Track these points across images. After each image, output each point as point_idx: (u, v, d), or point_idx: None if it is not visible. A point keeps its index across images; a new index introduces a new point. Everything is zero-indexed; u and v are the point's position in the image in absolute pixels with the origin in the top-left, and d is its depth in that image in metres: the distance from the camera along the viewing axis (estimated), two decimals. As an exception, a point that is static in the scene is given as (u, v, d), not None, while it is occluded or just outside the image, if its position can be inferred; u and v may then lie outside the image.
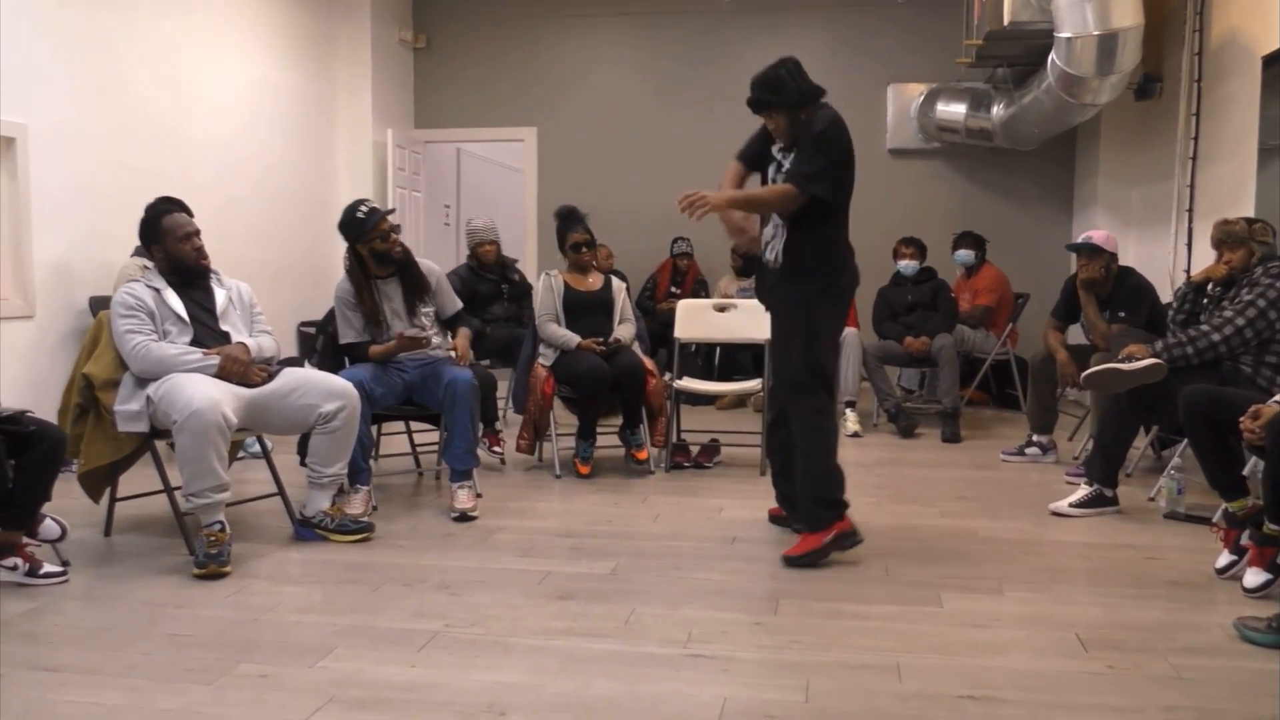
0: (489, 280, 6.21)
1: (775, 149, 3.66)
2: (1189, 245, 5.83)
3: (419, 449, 5.06)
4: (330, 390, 3.74)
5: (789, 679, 2.53)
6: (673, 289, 7.82)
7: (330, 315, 4.51)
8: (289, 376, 3.75)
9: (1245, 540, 3.32)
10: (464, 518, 4.08)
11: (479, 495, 4.27)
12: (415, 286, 4.40)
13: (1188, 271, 5.81)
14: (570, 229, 5.17)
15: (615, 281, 5.28)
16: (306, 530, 3.81)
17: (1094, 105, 5.54)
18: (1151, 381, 4.05)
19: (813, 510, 3.53)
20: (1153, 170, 6.55)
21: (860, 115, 7.77)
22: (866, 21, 7.92)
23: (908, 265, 6.60)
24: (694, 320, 5.42)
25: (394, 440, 5.23)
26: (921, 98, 7.69)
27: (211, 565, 3.33)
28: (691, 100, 8.23)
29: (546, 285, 5.12)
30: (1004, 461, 5.35)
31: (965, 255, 6.98)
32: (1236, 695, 2.45)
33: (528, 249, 8.60)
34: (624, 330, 5.12)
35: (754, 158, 3.75)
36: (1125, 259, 6.93)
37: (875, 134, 7.94)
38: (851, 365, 6.20)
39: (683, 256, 7.81)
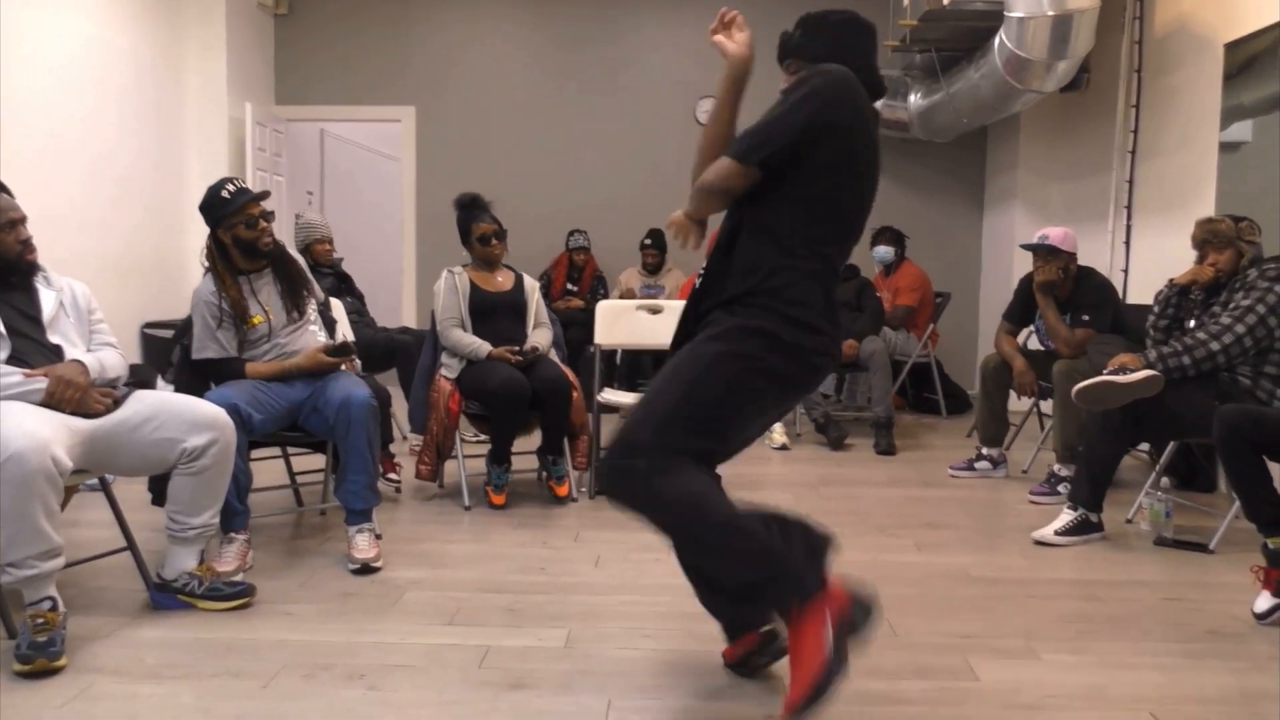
0: (327, 279, 5.38)
1: None
2: (1126, 243, 5.53)
3: (299, 478, 4.26)
4: (196, 419, 2.95)
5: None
6: (569, 286, 7.17)
7: (189, 322, 3.68)
8: (141, 402, 2.94)
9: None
10: (365, 569, 3.34)
11: (379, 537, 3.53)
12: (294, 283, 3.63)
13: (1125, 270, 5.52)
14: (475, 218, 4.47)
15: (528, 280, 4.60)
16: (166, 597, 3.01)
17: (1039, 92, 5.16)
18: (1148, 395, 3.65)
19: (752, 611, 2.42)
20: (1075, 165, 6.27)
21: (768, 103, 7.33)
22: (774, 4, 7.42)
23: (831, 263, 6.11)
24: (617, 325, 4.77)
25: (267, 468, 4.42)
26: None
27: (39, 660, 2.52)
28: (587, 82, 7.58)
29: (449, 285, 4.40)
30: (953, 477, 4.91)
31: (884, 252, 6.58)
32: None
33: (405, 243, 7.79)
34: (541, 336, 4.46)
35: None
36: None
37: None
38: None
39: (579, 251, 7.16)
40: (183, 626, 2.85)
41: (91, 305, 3.16)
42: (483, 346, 4.25)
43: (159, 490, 3.37)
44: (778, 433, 5.64)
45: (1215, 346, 3.64)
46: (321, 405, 3.47)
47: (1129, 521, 4.07)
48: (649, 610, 3.03)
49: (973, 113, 5.90)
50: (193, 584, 3.00)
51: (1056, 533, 3.78)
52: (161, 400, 2.98)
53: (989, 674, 2.59)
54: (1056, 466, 4.48)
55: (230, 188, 3.45)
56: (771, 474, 4.98)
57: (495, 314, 4.40)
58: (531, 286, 4.57)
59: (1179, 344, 3.71)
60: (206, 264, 3.54)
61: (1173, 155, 5.11)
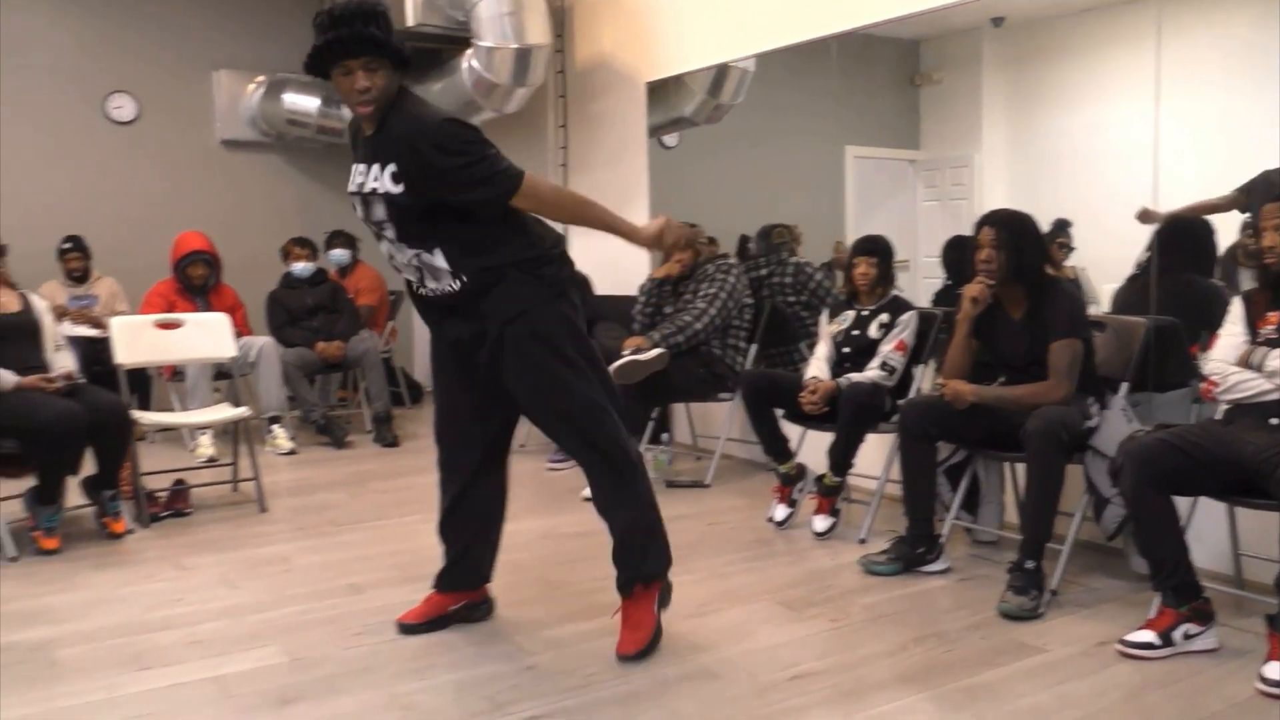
0: None
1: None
2: (564, 243, 6.52)
3: None
4: None
5: None
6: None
7: None
8: None
9: (802, 493, 4.04)
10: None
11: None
12: None
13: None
14: (-34, 232, 3.91)
15: (35, 299, 4.14)
16: None
17: (499, 113, 5.86)
18: (659, 368, 4.56)
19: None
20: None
21: (183, 100, 7.10)
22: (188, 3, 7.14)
23: (303, 267, 6.23)
24: (136, 342, 4.49)
25: None
26: (263, 88, 7.21)
27: None
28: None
29: (-54, 309, 3.80)
30: (551, 469, 5.35)
31: (340, 255, 6.82)
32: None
33: None
34: (66, 360, 4.06)
35: None
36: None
37: (205, 122, 7.26)
38: (274, 378, 5.68)
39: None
40: None
41: None
42: (7, 377, 3.77)
43: None
44: (282, 437, 5.66)
45: (699, 325, 4.68)
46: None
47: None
48: (340, 611, 3.14)
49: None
50: None
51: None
52: None
53: (653, 599, 3.22)
54: (564, 436, 5.25)
55: None
56: (312, 478, 5.07)
57: (9, 339, 3.92)
58: (43, 306, 4.13)
59: (671, 325, 4.69)
60: None
61: (605, 169, 6.18)
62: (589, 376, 2.69)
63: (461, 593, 3.01)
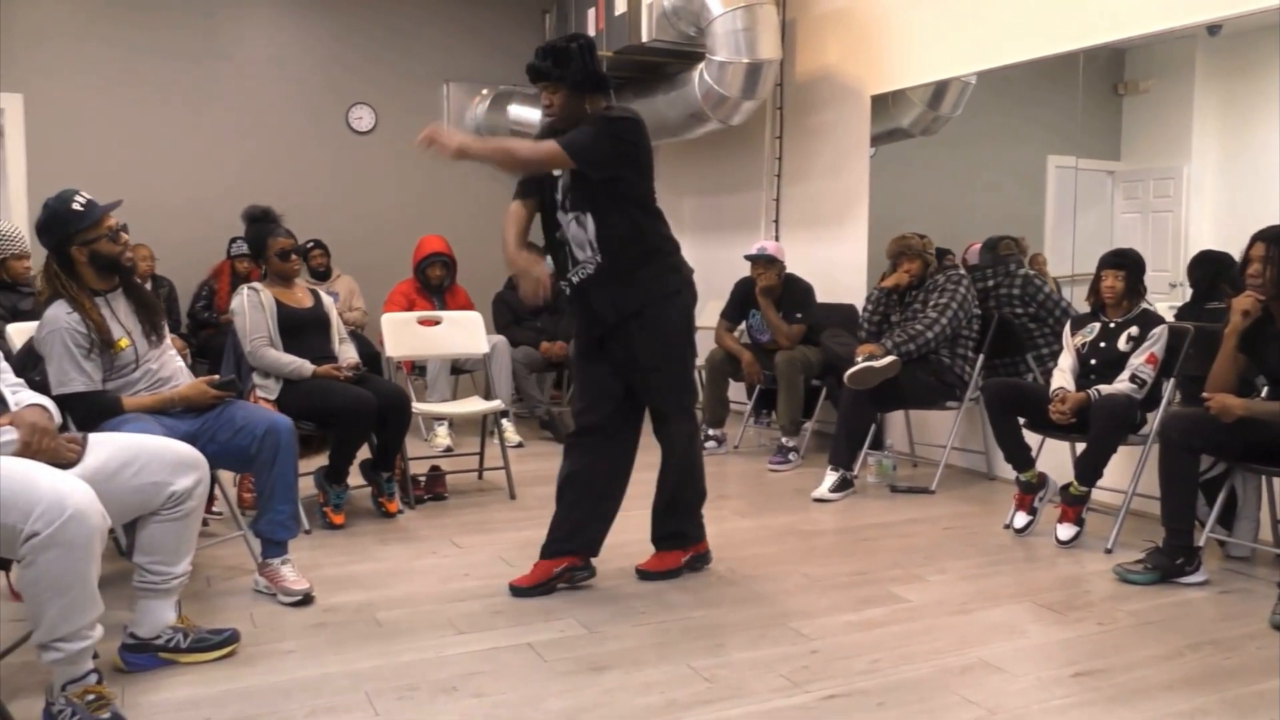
0: (28, 300, 4.80)
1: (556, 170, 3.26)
2: (775, 251, 6.68)
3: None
4: (180, 460, 2.76)
5: None
6: (235, 297, 6.80)
7: (29, 355, 3.26)
8: (110, 446, 2.68)
9: (1043, 501, 4.09)
10: (306, 600, 3.27)
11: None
12: (148, 302, 3.38)
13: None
14: (270, 233, 4.33)
15: (324, 295, 4.55)
16: (144, 657, 2.77)
17: (725, 124, 6.07)
18: (891, 376, 4.67)
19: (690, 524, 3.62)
20: (717, 184, 7.34)
21: (416, 111, 7.55)
22: (419, 16, 7.62)
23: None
24: (403, 336, 4.89)
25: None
26: (489, 99, 7.64)
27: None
28: (218, 82, 7.17)
29: (254, 303, 4.22)
30: (772, 470, 5.51)
31: (557, 259, 7.14)
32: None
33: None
34: (351, 352, 4.45)
35: (534, 184, 3.37)
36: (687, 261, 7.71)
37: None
38: (506, 374, 6.03)
39: (243, 259, 6.82)
40: (193, 684, 2.68)
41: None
42: (305, 366, 4.17)
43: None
44: (511, 431, 6.00)
45: (930, 335, 4.76)
46: (231, 435, 3.30)
47: (855, 476, 5.08)
48: (617, 591, 3.39)
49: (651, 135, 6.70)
50: (177, 638, 2.80)
51: (830, 490, 4.69)
52: (131, 442, 2.74)
53: (914, 595, 3.36)
54: (784, 439, 5.42)
55: (80, 199, 3.14)
56: (544, 469, 5.39)
57: (304, 331, 4.31)
58: (330, 302, 4.53)
59: (903, 334, 4.79)
60: (47, 288, 3.19)
61: (823, 180, 6.31)
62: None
63: (565, 557, 3.39)
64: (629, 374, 3.36)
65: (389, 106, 7.58)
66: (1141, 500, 3.99)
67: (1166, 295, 4.58)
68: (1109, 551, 3.82)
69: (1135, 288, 4.06)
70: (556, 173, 3.26)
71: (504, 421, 6.04)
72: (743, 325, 5.89)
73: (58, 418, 2.64)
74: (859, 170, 5.98)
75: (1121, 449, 3.93)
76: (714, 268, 7.28)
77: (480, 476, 5.12)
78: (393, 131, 7.58)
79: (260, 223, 4.35)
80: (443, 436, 5.91)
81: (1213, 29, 4.47)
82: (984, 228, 5.51)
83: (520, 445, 5.98)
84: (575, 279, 3.31)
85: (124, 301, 3.28)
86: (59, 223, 3.11)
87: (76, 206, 3.11)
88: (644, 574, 3.53)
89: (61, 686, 2.36)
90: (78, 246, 3.13)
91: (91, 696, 2.36)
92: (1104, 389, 3.90)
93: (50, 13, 6.68)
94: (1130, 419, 3.85)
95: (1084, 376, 4.07)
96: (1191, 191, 4.87)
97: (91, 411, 3.14)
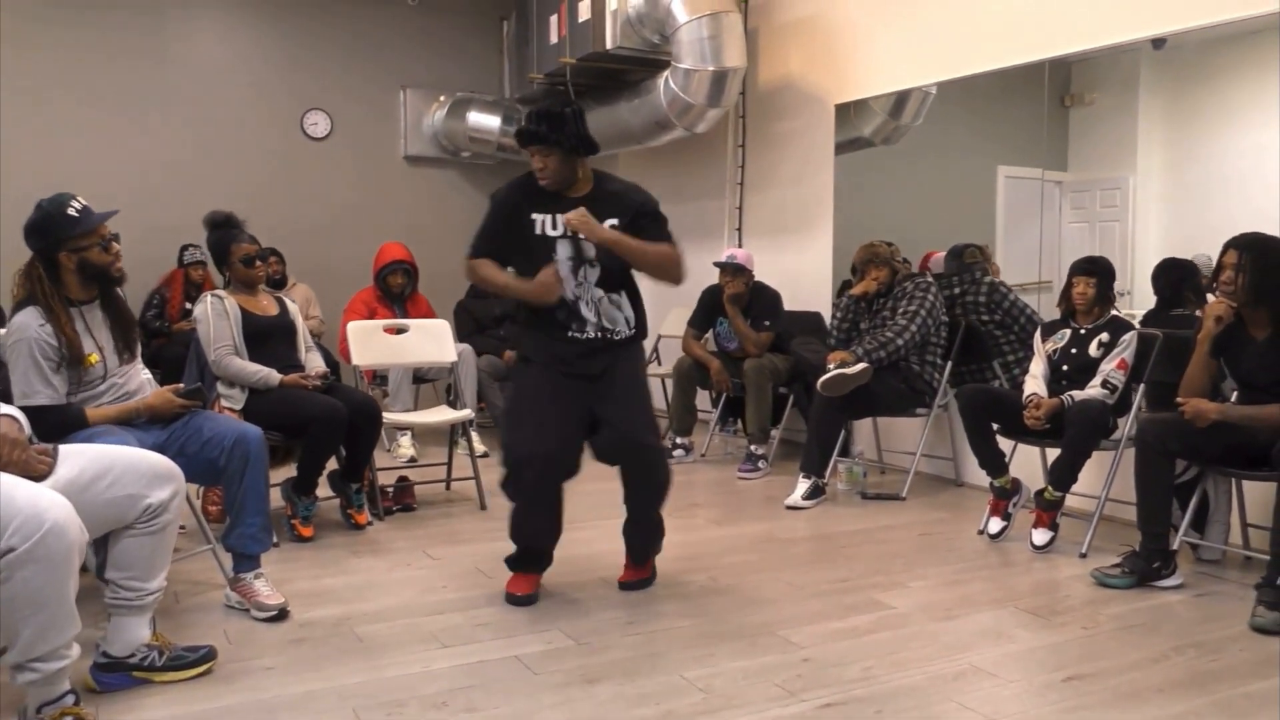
0: None
1: (535, 213, 3.29)
2: (737, 259, 6.67)
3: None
4: (155, 472, 2.66)
5: (956, 703, 2.57)
6: (187, 305, 6.65)
7: (-4, 364, 3.14)
8: (80, 457, 2.58)
9: (1017, 507, 4.12)
10: (281, 615, 3.18)
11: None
12: (124, 316, 3.27)
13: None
14: (234, 239, 4.21)
15: (289, 302, 4.44)
16: (117, 677, 2.66)
17: (690, 131, 6.05)
18: (863, 382, 4.67)
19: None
20: (680, 192, 7.32)
21: (373, 117, 7.47)
22: (376, 22, 7.52)
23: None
24: (369, 345, 4.79)
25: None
26: (446, 106, 7.55)
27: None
28: (169, 86, 7.00)
29: (218, 311, 4.11)
30: (742, 479, 5.49)
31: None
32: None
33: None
34: (318, 360, 4.36)
35: (496, 250, 3.38)
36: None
37: (391, 139, 7.64)
38: (472, 383, 5.94)
39: (196, 266, 6.66)
40: (171, 703, 2.58)
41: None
42: (271, 375, 4.07)
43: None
44: (476, 440, 5.91)
45: (900, 341, 4.78)
46: (199, 447, 3.20)
47: (826, 484, 5.06)
48: (601, 602, 3.34)
49: (608, 143, 6.65)
50: (152, 656, 2.69)
51: (803, 498, 4.68)
52: (105, 453, 2.64)
53: (898, 602, 3.35)
54: (753, 447, 5.41)
55: (76, 204, 3.04)
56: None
57: (270, 340, 4.21)
58: (295, 309, 4.43)
59: (874, 341, 4.80)
60: (23, 290, 3.07)
61: (786, 188, 6.33)
62: None
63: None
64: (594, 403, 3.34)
65: (345, 112, 7.47)
66: (1113, 505, 4.03)
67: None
68: (1084, 556, 3.85)
69: (1106, 294, 4.11)
70: (554, 232, 3.27)
71: (470, 430, 5.98)
72: (709, 333, 5.87)
73: (28, 428, 2.54)
74: (824, 178, 6.01)
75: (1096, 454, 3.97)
76: (677, 276, 7.29)
77: (448, 487, 5.05)
78: (348, 137, 7.48)
79: (223, 228, 4.24)
80: (406, 446, 5.82)
81: (1157, 42, 4.55)
82: (938, 237, 5.57)
83: (486, 455, 5.89)
84: (594, 335, 3.31)
85: (99, 314, 3.17)
86: (52, 226, 3.00)
87: (72, 212, 3.01)
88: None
89: (37, 709, 2.27)
90: (67, 253, 3.02)
91: (69, 718, 2.26)
92: (1077, 394, 3.93)
93: (-6, 13, 6.47)
94: (1104, 424, 3.90)
95: (1056, 382, 4.11)
96: (1137, 201, 4.96)
97: (55, 425, 2.99)
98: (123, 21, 6.78)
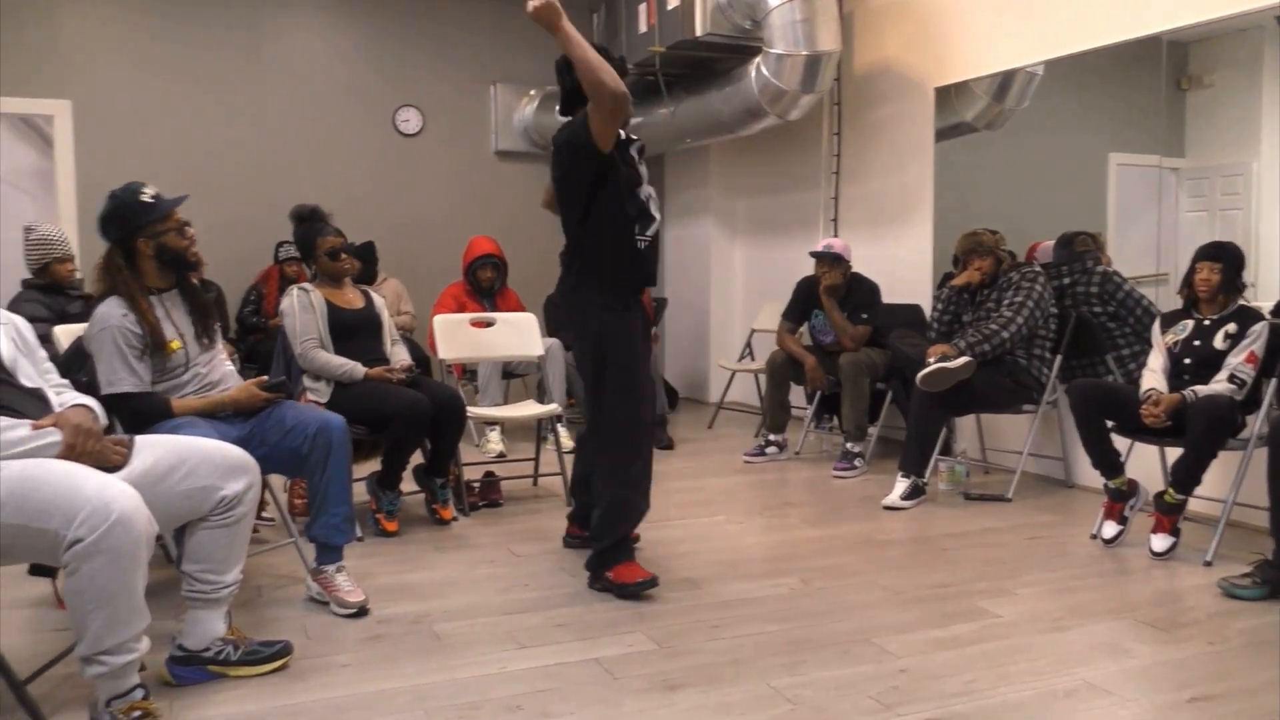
0: (75, 303, 4.70)
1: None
2: (834, 251, 6.46)
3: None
4: (230, 463, 2.62)
5: None
6: (283, 301, 6.71)
7: (77, 355, 3.15)
8: (158, 448, 2.55)
9: (1134, 510, 3.85)
10: (361, 612, 3.12)
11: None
12: (203, 303, 3.25)
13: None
14: (319, 232, 4.20)
15: (375, 296, 4.41)
16: (192, 670, 2.63)
17: (782, 119, 5.86)
18: (966, 377, 4.44)
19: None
20: (774, 183, 7.14)
21: (463, 113, 7.45)
22: (467, 18, 7.51)
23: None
24: (455, 339, 4.74)
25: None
26: (537, 101, 7.50)
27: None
28: (263, 86, 7.09)
29: (304, 304, 4.10)
30: (747, 462, 5.47)
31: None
32: None
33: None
34: (403, 354, 4.31)
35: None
36: (740, 263, 7.53)
37: (482, 134, 7.62)
38: (560, 378, 5.86)
39: (291, 262, 6.73)
40: (243, 699, 2.53)
41: (31, 337, 2.66)
42: (356, 368, 4.04)
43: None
44: (565, 435, 5.83)
45: (1005, 334, 4.53)
46: (281, 436, 3.16)
47: (926, 483, 4.84)
48: (687, 604, 3.20)
49: (699, 133, 6.52)
50: (227, 650, 2.65)
51: (902, 498, 4.47)
52: (180, 444, 2.60)
53: (1004, 610, 3.14)
54: (849, 445, 5.21)
55: (148, 192, 3.03)
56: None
57: (355, 333, 4.18)
58: (381, 303, 4.39)
59: (977, 334, 4.56)
60: (104, 283, 3.06)
61: (886, 177, 6.10)
62: None
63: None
64: None
65: (436, 108, 7.47)
66: (1240, 509, 3.74)
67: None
68: (1208, 564, 3.57)
69: (1232, 282, 3.81)
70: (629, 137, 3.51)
71: (559, 426, 5.90)
72: (804, 326, 5.68)
73: (104, 419, 2.52)
74: (923, 165, 5.76)
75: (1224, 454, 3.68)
76: (770, 269, 7.12)
77: (535, 483, 4.97)
78: (439, 133, 7.48)
79: (308, 221, 4.23)
80: (495, 442, 5.77)
81: (1282, 19, 4.23)
82: (1044, 227, 5.28)
83: (573, 450, 5.80)
84: (651, 235, 3.43)
85: (179, 302, 3.15)
86: (127, 214, 3.01)
87: (145, 199, 3.01)
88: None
89: (106, 702, 2.23)
90: (144, 239, 3.02)
91: (137, 713, 2.22)
92: (1200, 390, 3.65)
93: (97, 20, 6.64)
94: (1231, 421, 3.60)
95: (1177, 377, 3.83)
96: (1261, 188, 4.63)
97: (140, 413, 3.01)
98: (220, 26, 6.89)
